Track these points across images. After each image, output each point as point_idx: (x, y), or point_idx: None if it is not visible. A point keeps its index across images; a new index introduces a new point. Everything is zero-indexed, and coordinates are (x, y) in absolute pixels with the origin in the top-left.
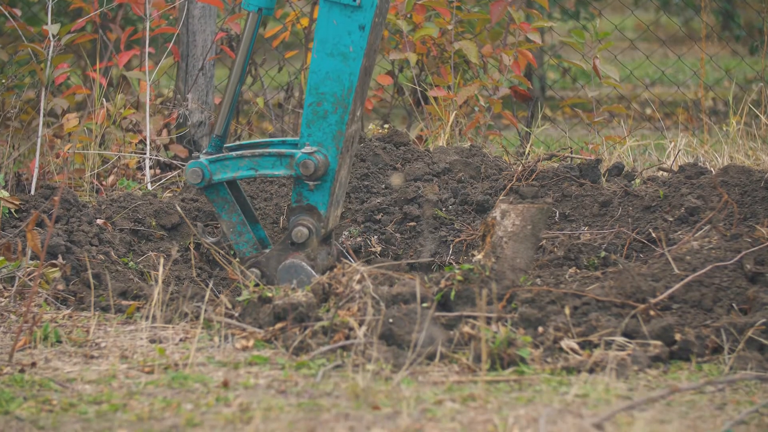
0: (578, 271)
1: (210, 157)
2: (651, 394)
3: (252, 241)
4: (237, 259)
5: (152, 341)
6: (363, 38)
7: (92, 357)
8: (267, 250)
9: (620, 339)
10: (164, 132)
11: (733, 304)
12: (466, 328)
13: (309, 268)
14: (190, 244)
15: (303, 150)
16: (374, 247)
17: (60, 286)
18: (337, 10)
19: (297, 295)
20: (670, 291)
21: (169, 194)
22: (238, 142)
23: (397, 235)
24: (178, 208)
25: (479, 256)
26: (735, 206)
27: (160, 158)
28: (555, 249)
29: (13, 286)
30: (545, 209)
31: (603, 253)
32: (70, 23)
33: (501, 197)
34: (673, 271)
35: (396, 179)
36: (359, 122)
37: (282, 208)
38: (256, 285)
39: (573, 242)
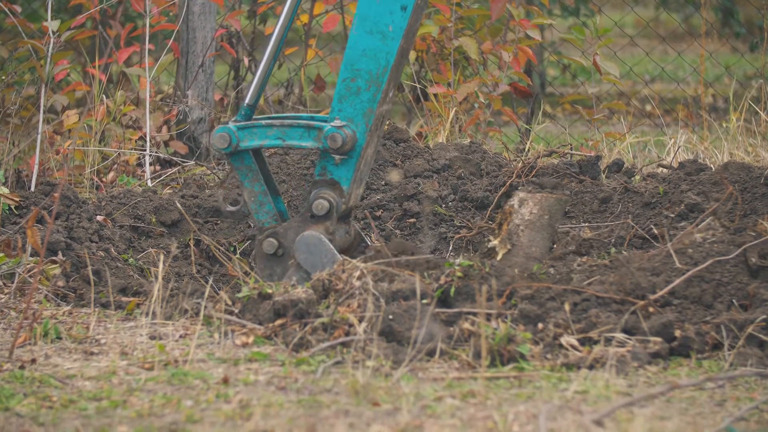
0: (588, 259)
1: (238, 123)
2: (651, 391)
3: (272, 212)
4: (237, 256)
5: (152, 338)
6: (404, 19)
7: (92, 353)
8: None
9: (620, 335)
10: (164, 129)
11: (734, 300)
12: (466, 325)
13: (327, 242)
14: (189, 240)
15: (332, 123)
16: (374, 243)
17: (60, 283)
18: None
19: (297, 291)
20: (670, 287)
21: (169, 191)
22: (266, 116)
23: (397, 231)
24: (178, 205)
25: (495, 242)
26: (739, 198)
27: (160, 155)
28: (567, 242)
29: (13, 282)
30: (563, 200)
31: (613, 250)
32: (70, 20)
33: (520, 186)
34: (674, 265)
35: (395, 176)
36: (390, 104)
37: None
38: (256, 281)
39: (584, 237)
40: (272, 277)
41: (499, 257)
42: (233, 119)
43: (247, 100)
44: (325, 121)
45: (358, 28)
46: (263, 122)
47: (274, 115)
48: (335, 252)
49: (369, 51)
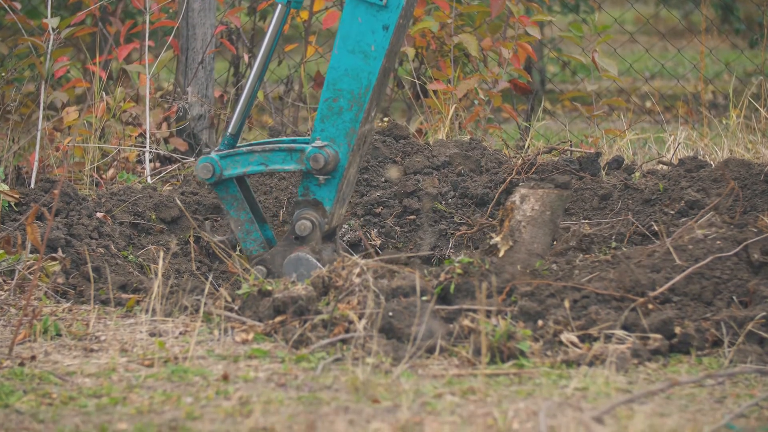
0: (590, 256)
1: (221, 152)
2: (651, 388)
3: (259, 240)
4: (237, 253)
5: (152, 334)
6: (386, 38)
7: (92, 350)
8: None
9: (620, 332)
10: (164, 125)
11: (734, 297)
12: (466, 322)
13: (314, 261)
14: (189, 237)
15: (313, 144)
16: (374, 240)
17: (60, 280)
18: (363, 8)
19: (297, 288)
20: (669, 284)
21: (168, 187)
22: (248, 142)
23: (397, 228)
24: (178, 202)
25: (497, 239)
26: (740, 193)
27: (160, 151)
28: (568, 238)
29: (12, 279)
30: (565, 196)
31: (614, 244)
32: (69, 16)
33: (521, 182)
34: (674, 262)
35: (395, 173)
36: (372, 123)
37: (282, 202)
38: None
39: (585, 233)
40: None
41: (501, 254)
42: (216, 149)
43: (229, 130)
44: (307, 143)
45: (340, 47)
46: (244, 149)
47: (255, 141)
48: (322, 267)
49: (351, 71)
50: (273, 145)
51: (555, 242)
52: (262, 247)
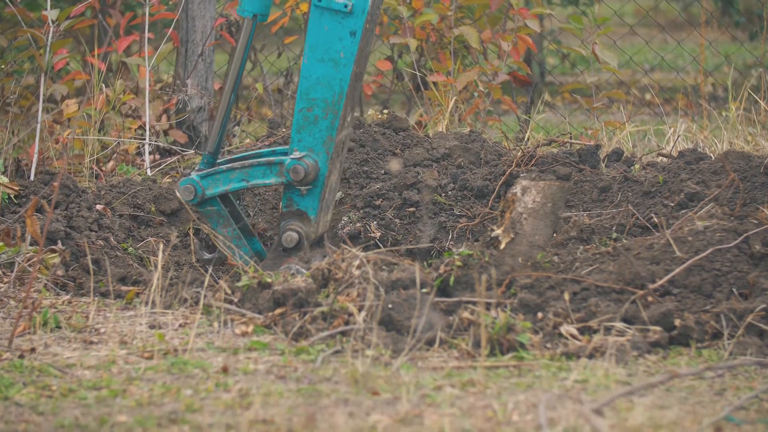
0: (591, 247)
1: (201, 173)
2: (650, 380)
3: (248, 254)
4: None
5: (152, 327)
6: (354, 44)
7: (92, 343)
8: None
9: (620, 325)
10: (164, 117)
11: (734, 289)
12: (466, 314)
13: (304, 271)
14: (189, 229)
15: (292, 156)
16: (373, 232)
17: (59, 272)
18: (328, 16)
19: (296, 280)
20: (669, 276)
21: (168, 180)
22: (228, 157)
23: (397, 220)
24: (178, 194)
25: (498, 231)
26: (741, 185)
27: (160, 144)
28: (568, 229)
29: (12, 271)
30: (566, 187)
31: (614, 235)
32: (69, 8)
33: (522, 173)
34: (674, 253)
35: (395, 165)
36: (349, 128)
37: (280, 193)
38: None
39: (585, 224)
40: None
41: (502, 246)
42: (196, 168)
43: (207, 149)
44: (286, 154)
45: (309, 57)
46: (224, 167)
47: (235, 156)
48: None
49: (323, 79)
50: (252, 159)
51: (555, 234)
52: (252, 260)
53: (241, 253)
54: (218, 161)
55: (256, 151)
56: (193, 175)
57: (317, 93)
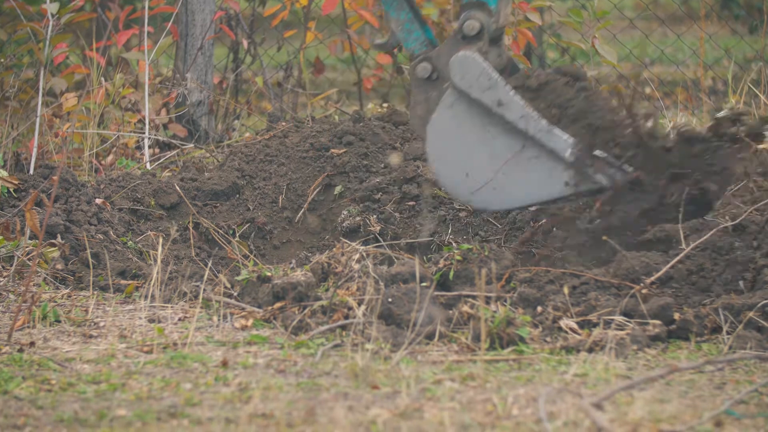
0: None
1: None
2: (650, 374)
3: (421, 38)
4: (237, 239)
5: (151, 321)
6: None
7: (91, 336)
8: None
9: (619, 318)
10: (163, 111)
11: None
12: (466, 308)
13: (480, 61)
14: (189, 223)
15: None
16: (373, 226)
17: (59, 266)
18: None
19: (296, 274)
20: (667, 267)
21: (168, 174)
22: None
23: (396, 214)
24: (177, 188)
25: None
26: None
27: (159, 137)
28: None
29: (11, 265)
30: None
31: None
32: (69, 2)
33: None
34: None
35: (395, 158)
36: None
37: (281, 188)
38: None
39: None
40: (427, 102)
41: None
42: None
43: None
44: None
45: None
46: None
47: None
48: (491, 71)
49: None
50: None
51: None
52: (424, 45)
53: (413, 37)
54: None
55: None
56: None
57: None
